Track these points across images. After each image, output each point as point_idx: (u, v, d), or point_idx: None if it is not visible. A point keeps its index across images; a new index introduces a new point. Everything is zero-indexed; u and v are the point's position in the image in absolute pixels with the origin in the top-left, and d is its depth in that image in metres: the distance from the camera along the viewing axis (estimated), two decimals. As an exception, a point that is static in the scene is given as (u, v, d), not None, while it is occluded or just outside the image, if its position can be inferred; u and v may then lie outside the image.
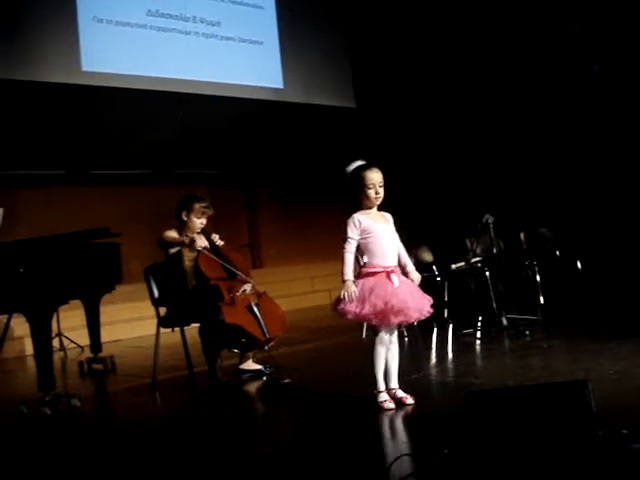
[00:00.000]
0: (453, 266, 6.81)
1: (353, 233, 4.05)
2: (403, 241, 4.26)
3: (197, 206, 5.33)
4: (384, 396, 4.06)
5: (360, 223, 4.06)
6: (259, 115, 10.43)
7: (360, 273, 4.07)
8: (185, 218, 5.33)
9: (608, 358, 4.86)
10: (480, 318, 6.54)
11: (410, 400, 4.13)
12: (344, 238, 4.06)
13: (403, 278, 4.14)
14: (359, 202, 4.12)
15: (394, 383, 4.21)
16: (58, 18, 8.67)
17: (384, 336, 4.08)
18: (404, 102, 11.25)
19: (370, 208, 4.13)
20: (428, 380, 4.95)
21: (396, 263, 4.11)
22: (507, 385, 4.16)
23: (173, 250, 5.32)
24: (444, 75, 10.91)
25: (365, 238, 4.06)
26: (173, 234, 5.31)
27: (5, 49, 8.14)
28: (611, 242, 8.83)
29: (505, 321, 6.46)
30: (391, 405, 4.01)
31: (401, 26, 11.14)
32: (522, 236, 8.24)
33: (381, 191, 4.08)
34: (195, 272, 5.26)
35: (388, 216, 4.25)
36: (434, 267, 7.64)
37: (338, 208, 11.92)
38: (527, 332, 6.14)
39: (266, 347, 5.30)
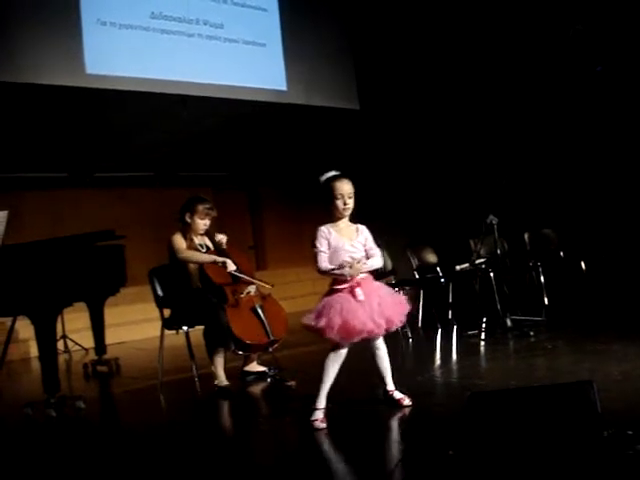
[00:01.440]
0: (457, 267, 6.80)
1: (322, 245, 4.00)
2: (379, 245, 4.21)
3: (200, 208, 5.34)
4: (318, 415, 3.92)
5: (327, 235, 4.01)
6: (262, 117, 10.43)
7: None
8: (189, 220, 5.34)
9: (613, 359, 4.85)
10: (484, 319, 6.53)
11: (407, 401, 4.13)
12: (315, 252, 4.01)
13: (377, 284, 4.13)
14: (330, 213, 4.06)
15: (390, 385, 4.21)
16: (62, 21, 8.68)
17: (342, 352, 3.97)
18: (408, 103, 11.24)
19: (339, 219, 4.07)
20: (433, 381, 4.95)
21: (364, 275, 4.04)
22: (511, 386, 4.16)
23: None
24: (447, 77, 10.90)
25: (331, 252, 4.01)
26: (200, 256, 5.30)
27: (9, 52, 8.14)
28: (615, 243, 8.81)
29: (509, 322, 6.46)
30: (322, 425, 3.85)
31: (404, 28, 11.13)
32: (526, 237, 8.24)
33: (350, 202, 4.02)
34: (200, 274, 5.27)
35: (360, 227, 4.15)
36: (438, 268, 7.65)
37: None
38: (531, 333, 6.13)
39: (270, 349, 5.31)
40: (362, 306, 3.91)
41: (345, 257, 3.97)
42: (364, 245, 4.10)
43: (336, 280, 4.01)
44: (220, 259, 5.25)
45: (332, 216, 4.07)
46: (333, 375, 3.99)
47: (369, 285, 4.04)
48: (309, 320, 3.94)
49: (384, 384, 4.22)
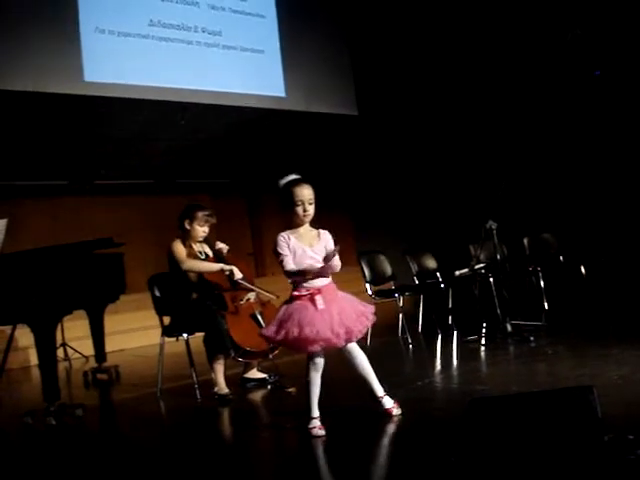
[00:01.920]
0: (457, 272, 6.79)
1: (285, 250, 3.90)
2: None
3: (200, 214, 5.33)
4: (315, 423, 3.88)
5: (287, 241, 3.91)
6: (261, 123, 10.44)
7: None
8: (188, 227, 5.34)
9: (613, 364, 4.85)
10: (484, 324, 6.53)
11: (396, 411, 4.05)
12: (279, 258, 3.92)
13: (341, 294, 3.98)
14: (289, 219, 3.96)
15: (379, 391, 4.10)
16: (60, 29, 8.69)
17: (317, 360, 3.90)
18: (406, 109, 11.26)
19: (300, 225, 3.96)
20: (433, 387, 4.94)
21: (326, 282, 3.92)
22: (512, 391, 4.16)
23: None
24: (446, 82, 10.92)
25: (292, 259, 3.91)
26: (206, 265, 5.29)
27: (7, 59, 8.15)
28: (615, 247, 8.82)
29: (509, 327, 6.45)
30: (321, 432, 3.83)
31: (403, 34, 11.16)
32: (526, 242, 8.24)
33: (310, 209, 3.91)
34: (199, 281, 5.27)
35: (322, 232, 4.02)
36: (438, 274, 7.65)
37: (341, 216, 11.97)
38: (532, 338, 6.12)
39: (270, 356, 5.31)
40: (321, 314, 3.81)
41: (307, 262, 3.87)
42: (326, 248, 3.95)
43: (296, 287, 3.93)
44: (227, 267, 5.23)
45: (292, 222, 3.96)
46: (316, 383, 3.93)
47: (330, 293, 3.92)
48: (270, 332, 3.91)
49: (373, 392, 4.10)
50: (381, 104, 11.41)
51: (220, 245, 5.44)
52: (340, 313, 3.86)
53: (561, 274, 8.10)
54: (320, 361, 3.91)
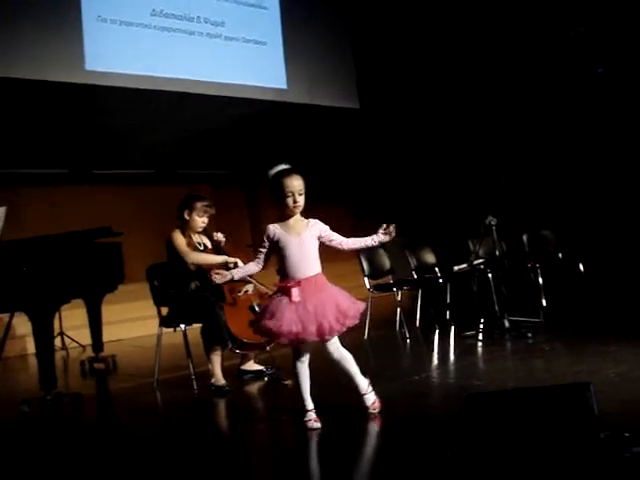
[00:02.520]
0: (455, 268, 6.79)
1: (262, 245, 3.94)
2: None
3: (199, 205, 5.32)
4: (310, 415, 3.86)
5: (273, 235, 3.89)
6: (262, 115, 10.42)
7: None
8: (187, 217, 5.33)
9: (610, 361, 4.85)
10: (482, 320, 6.53)
11: (374, 409, 3.97)
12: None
13: (329, 289, 3.89)
14: (280, 210, 3.90)
15: (361, 388, 3.99)
16: (62, 17, 8.67)
17: (301, 352, 3.88)
18: (408, 103, 11.24)
19: (290, 217, 3.89)
20: (429, 381, 4.94)
21: (313, 274, 3.86)
22: (508, 387, 4.16)
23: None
24: (448, 76, 10.90)
25: (278, 251, 3.89)
26: (210, 258, 5.28)
27: (8, 47, 8.14)
28: (614, 244, 8.82)
29: (507, 323, 6.45)
30: (316, 425, 3.82)
31: (405, 27, 11.13)
32: (525, 238, 8.23)
33: (300, 200, 3.84)
34: (198, 272, 5.26)
35: (312, 222, 3.96)
36: (436, 269, 7.65)
37: (341, 208, 11.95)
38: (529, 334, 6.12)
39: (267, 348, 5.31)
40: (294, 308, 3.77)
41: (293, 254, 3.85)
42: (320, 238, 3.91)
43: (281, 279, 3.91)
44: (232, 259, 5.22)
45: (282, 213, 3.91)
46: (303, 375, 3.90)
47: (312, 286, 3.84)
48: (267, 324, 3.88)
49: (356, 388, 4.01)
50: (383, 98, 11.39)
51: (218, 235, 5.43)
52: (317, 308, 3.77)
53: (560, 271, 8.09)
54: (303, 353, 3.89)
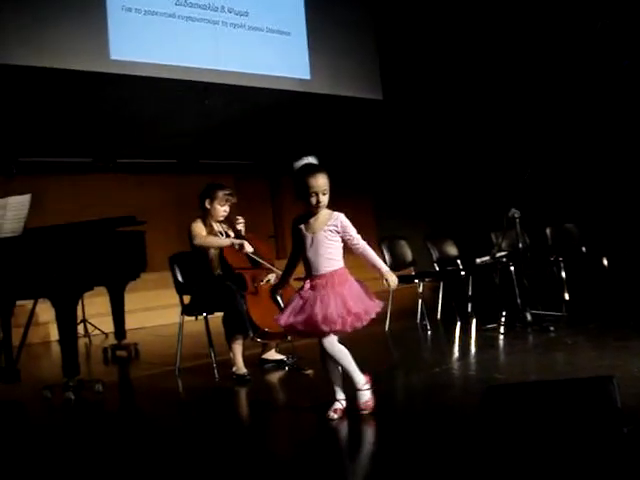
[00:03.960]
0: (478, 260, 6.76)
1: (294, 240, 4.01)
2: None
3: (220, 194, 5.34)
4: (336, 405, 3.87)
5: (294, 229, 3.95)
6: (285, 106, 10.43)
7: None
8: (208, 206, 5.34)
9: (633, 355, 4.81)
10: (504, 313, 6.50)
11: (364, 409, 3.84)
12: None
13: (350, 286, 3.83)
14: (303, 204, 3.85)
15: (357, 384, 3.88)
16: (87, 7, 8.72)
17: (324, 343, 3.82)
18: (431, 94, 11.20)
19: (313, 213, 3.86)
20: (450, 374, 4.92)
21: (326, 271, 3.83)
22: (530, 380, 4.13)
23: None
24: (472, 67, 10.84)
25: (298, 245, 3.95)
26: (216, 240, 5.32)
27: (34, 37, 8.19)
28: (638, 239, 8.73)
29: (529, 316, 6.41)
30: (334, 416, 3.81)
31: (429, 18, 11.08)
32: (548, 232, 8.18)
33: (324, 199, 3.79)
34: (220, 261, 5.28)
35: (335, 215, 3.87)
36: (459, 261, 7.62)
37: (363, 200, 11.93)
38: (551, 328, 6.09)
39: (289, 337, 5.32)
40: (301, 302, 3.81)
41: (307, 251, 3.87)
42: (338, 233, 3.85)
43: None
44: (237, 241, 5.25)
45: (306, 208, 3.87)
46: (330, 367, 3.90)
47: (328, 281, 3.81)
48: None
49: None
50: (406, 89, 11.35)
51: (238, 218, 5.44)
52: (313, 306, 3.75)
53: (583, 265, 8.04)
54: (326, 344, 3.81)
